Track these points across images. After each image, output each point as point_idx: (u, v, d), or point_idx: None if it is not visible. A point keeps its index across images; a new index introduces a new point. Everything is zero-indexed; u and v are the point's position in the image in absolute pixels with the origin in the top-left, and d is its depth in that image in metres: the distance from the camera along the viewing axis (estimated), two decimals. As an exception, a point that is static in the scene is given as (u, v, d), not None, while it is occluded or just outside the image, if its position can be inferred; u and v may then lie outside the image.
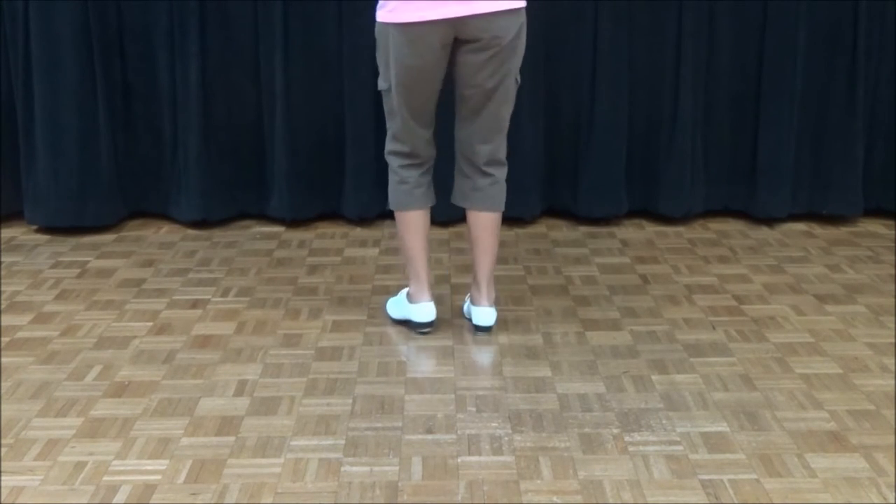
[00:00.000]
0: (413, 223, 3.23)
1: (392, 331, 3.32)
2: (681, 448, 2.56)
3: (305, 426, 2.68)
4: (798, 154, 4.47)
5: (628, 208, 4.53)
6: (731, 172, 4.54)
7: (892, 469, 2.46)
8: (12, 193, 4.44)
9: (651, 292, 3.66)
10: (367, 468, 2.48)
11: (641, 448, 2.56)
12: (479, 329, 3.29)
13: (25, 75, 4.28)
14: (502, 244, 4.21)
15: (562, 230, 4.44)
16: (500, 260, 4.01)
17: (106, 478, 2.44)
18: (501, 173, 3.27)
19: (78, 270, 3.92)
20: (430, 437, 2.63)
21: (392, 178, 3.25)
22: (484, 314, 3.27)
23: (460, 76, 3.11)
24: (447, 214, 4.47)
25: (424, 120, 3.16)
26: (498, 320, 3.32)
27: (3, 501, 2.34)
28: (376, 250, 4.16)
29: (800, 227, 4.47)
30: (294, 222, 4.46)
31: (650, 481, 2.41)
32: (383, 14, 3.02)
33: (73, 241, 4.27)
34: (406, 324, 3.32)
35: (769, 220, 4.49)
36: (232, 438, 2.62)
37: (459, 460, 2.51)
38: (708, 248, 4.19)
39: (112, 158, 4.39)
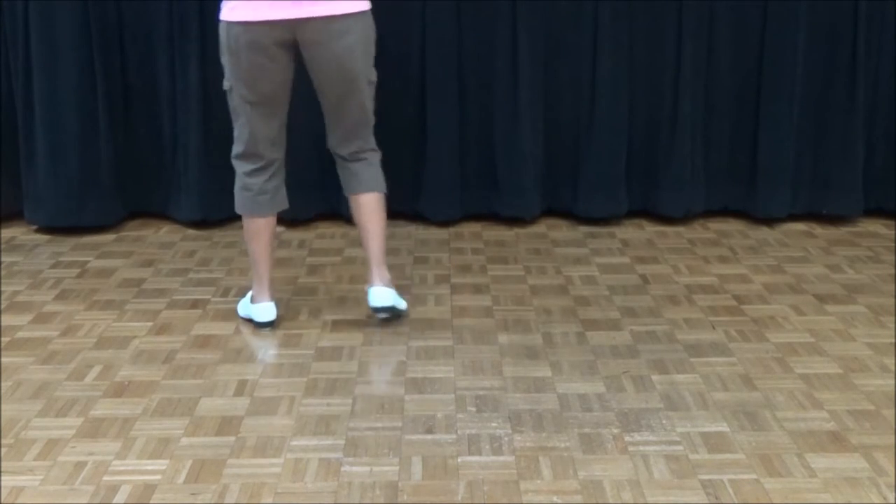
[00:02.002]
0: (255, 229, 3.29)
1: (392, 331, 3.32)
2: (681, 448, 2.56)
3: (305, 426, 2.68)
4: (798, 154, 4.47)
5: (628, 208, 4.53)
6: (731, 172, 4.54)
7: (892, 469, 2.46)
8: (12, 193, 4.44)
9: (651, 292, 3.66)
10: (367, 468, 2.48)
11: (641, 448, 2.56)
12: (375, 310, 3.28)
13: (25, 75, 4.28)
14: (502, 244, 4.22)
15: (562, 230, 4.44)
16: (500, 260, 4.02)
17: (106, 478, 2.44)
18: (374, 157, 3.33)
19: (78, 270, 3.92)
20: (430, 437, 2.63)
21: (237, 183, 3.28)
22: (378, 293, 3.26)
23: (312, 77, 3.18)
24: (447, 214, 4.48)
25: (268, 119, 3.20)
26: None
27: (3, 501, 2.34)
28: (376, 250, 4.16)
29: (800, 227, 4.47)
30: (294, 222, 4.46)
31: (650, 481, 2.41)
32: (225, 13, 3.07)
33: (73, 241, 4.27)
34: (250, 322, 3.37)
35: (769, 220, 4.49)
36: (232, 438, 2.62)
37: (459, 460, 2.51)
38: (708, 248, 4.18)
39: (112, 158, 4.39)
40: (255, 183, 3.24)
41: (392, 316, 3.33)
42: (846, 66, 4.38)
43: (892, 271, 3.88)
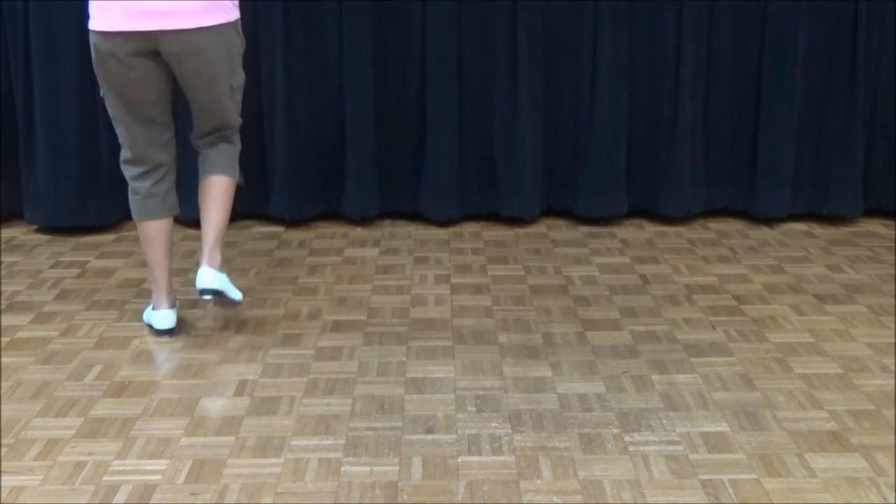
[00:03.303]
0: (147, 234, 3.24)
1: (392, 331, 3.32)
2: (681, 448, 2.56)
3: (305, 426, 2.68)
4: (798, 154, 4.47)
5: (628, 208, 4.53)
6: (731, 172, 4.54)
7: (892, 469, 2.46)
8: (12, 193, 4.44)
9: (651, 292, 3.66)
10: (367, 468, 2.48)
11: (641, 448, 2.56)
12: (201, 292, 3.17)
13: (25, 75, 4.28)
14: (502, 244, 4.22)
15: (562, 230, 4.43)
16: (500, 260, 4.02)
17: (106, 478, 2.44)
18: (228, 148, 3.31)
19: (78, 270, 3.92)
20: (430, 437, 2.63)
21: (129, 187, 3.25)
22: (205, 275, 3.14)
23: (179, 83, 3.15)
24: (447, 214, 4.48)
25: (147, 124, 3.16)
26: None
27: (3, 501, 2.34)
28: (376, 250, 4.16)
29: (800, 227, 4.47)
30: (294, 222, 4.46)
31: (650, 481, 2.41)
32: (90, 22, 3.05)
33: (73, 241, 4.27)
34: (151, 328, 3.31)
35: (769, 220, 4.49)
36: (232, 438, 2.62)
37: (459, 460, 2.51)
38: (708, 248, 4.18)
39: (112, 158, 4.34)
40: (143, 187, 3.21)
41: (220, 301, 3.20)
42: (846, 66, 4.38)
43: (892, 271, 3.88)
